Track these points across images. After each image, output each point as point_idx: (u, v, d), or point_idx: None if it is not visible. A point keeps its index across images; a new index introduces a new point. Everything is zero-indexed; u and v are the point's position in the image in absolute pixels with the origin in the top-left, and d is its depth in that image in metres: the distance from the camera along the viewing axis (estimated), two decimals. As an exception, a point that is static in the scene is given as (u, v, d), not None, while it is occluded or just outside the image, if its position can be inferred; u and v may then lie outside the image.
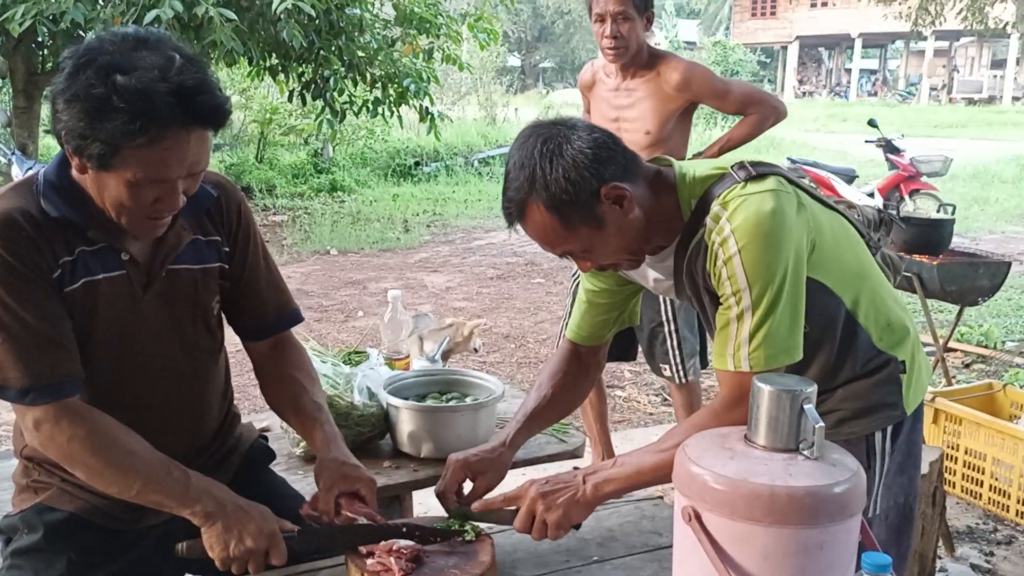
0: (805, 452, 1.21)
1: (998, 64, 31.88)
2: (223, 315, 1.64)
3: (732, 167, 1.52)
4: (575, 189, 1.43)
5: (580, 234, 1.47)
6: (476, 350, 2.56)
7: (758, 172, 1.50)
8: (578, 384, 1.83)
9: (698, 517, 1.21)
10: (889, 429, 1.66)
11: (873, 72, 36.66)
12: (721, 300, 1.49)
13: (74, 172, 1.38)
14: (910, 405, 1.68)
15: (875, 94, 33.18)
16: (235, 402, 1.75)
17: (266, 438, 1.83)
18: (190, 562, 1.45)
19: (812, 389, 1.22)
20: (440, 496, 1.58)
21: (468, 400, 2.04)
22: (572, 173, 1.43)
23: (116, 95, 1.25)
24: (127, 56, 1.28)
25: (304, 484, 1.86)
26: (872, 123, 9.10)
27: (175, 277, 1.51)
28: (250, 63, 7.79)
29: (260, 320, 1.66)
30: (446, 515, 1.55)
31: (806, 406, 1.21)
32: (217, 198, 1.55)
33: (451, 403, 2.02)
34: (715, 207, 1.48)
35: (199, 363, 1.59)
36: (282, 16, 6.50)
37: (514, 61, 34.69)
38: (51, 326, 1.38)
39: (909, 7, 8.32)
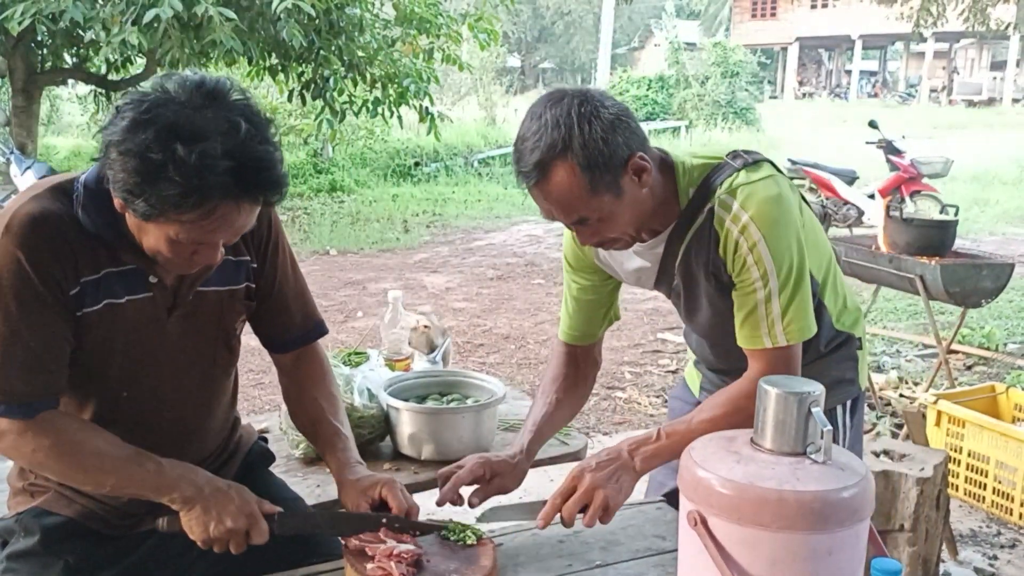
0: (813, 456, 1.19)
1: (998, 66, 31.85)
2: (249, 325, 1.62)
3: (727, 156, 1.56)
4: (610, 152, 1.43)
5: (602, 201, 1.46)
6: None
7: (752, 159, 1.56)
8: (579, 385, 1.84)
9: (704, 522, 1.19)
10: (848, 403, 1.77)
11: (873, 73, 36.64)
12: (739, 285, 1.53)
13: (116, 206, 1.32)
14: (863, 380, 1.82)
15: (875, 95, 33.16)
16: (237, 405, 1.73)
17: (266, 440, 1.80)
18: (195, 562, 1.45)
19: (820, 392, 1.20)
20: (442, 480, 1.57)
21: (469, 402, 2.02)
22: (609, 136, 1.42)
23: (173, 165, 1.19)
24: (191, 118, 1.22)
25: (304, 486, 1.85)
26: (873, 124, 9.07)
27: (201, 299, 1.47)
28: (250, 63, 7.77)
29: (285, 333, 1.63)
30: (443, 518, 1.53)
31: (814, 409, 1.19)
32: None
33: (452, 405, 2.00)
34: (722, 195, 1.51)
35: (213, 380, 1.56)
36: (282, 16, 6.48)
37: (514, 61, 34.66)
38: (44, 348, 1.33)
39: (911, 8, 8.31)
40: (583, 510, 1.51)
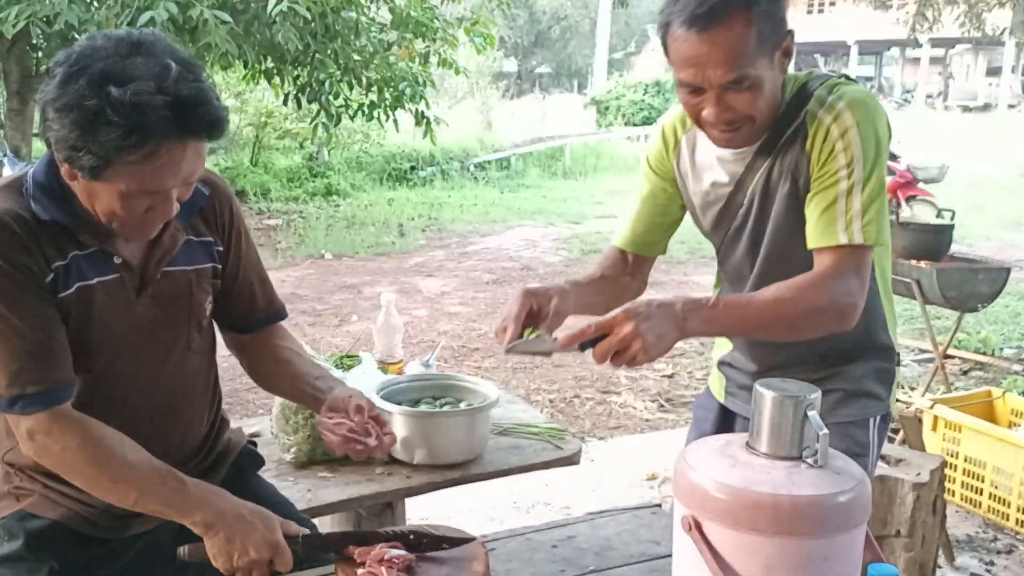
0: (808, 460, 1.17)
1: (993, 72, 31.93)
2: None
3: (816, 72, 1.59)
4: (780, 20, 1.44)
5: (762, 65, 1.43)
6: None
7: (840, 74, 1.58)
8: (621, 283, 1.76)
9: (699, 527, 1.17)
10: (879, 418, 1.70)
11: (869, 79, 36.70)
12: (822, 178, 1.49)
13: (63, 176, 1.34)
14: (893, 399, 1.75)
15: (871, 101, 33.22)
16: (226, 408, 1.71)
17: (255, 443, 1.78)
18: (188, 566, 1.42)
19: (816, 395, 1.18)
20: (499, 332, 1.43)
21: (463, 405, 2.00)
22: (783, 5, 1.45)
23: (110, 108, 1.21)
24: (121, 64, 1.24)
25: (295, 490, 1.83)
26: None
27: (170, 279, 1.48)
28: (245, 66, 7.75)
29: (251, 315, 1.64)
30: (436, 524, 1.51)
31: (809, 412, 1.17)
32: (209, 197, 1.52)
33: (445, 408, 1.98)
34: (819, 91, 1.52)
35: (191, 365, 1.55)
36: (277, 19, 6.46)
37: (510, 66, 34.64)
38: (43, 332, 1.34)
39: (907, 13, 8.34)
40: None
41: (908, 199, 8.87)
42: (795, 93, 1.54)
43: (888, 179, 7.17)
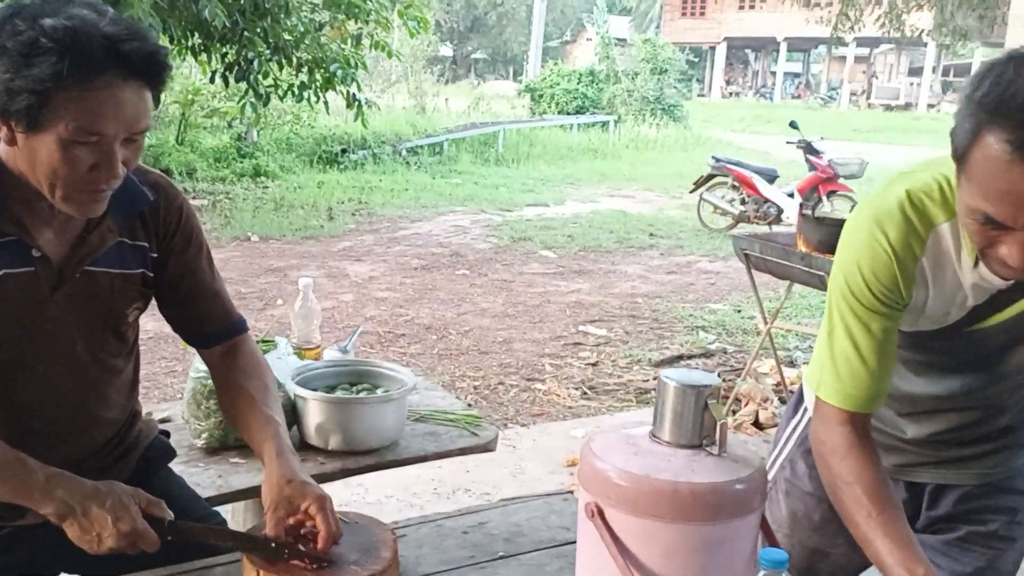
0: (709, 448, 1.21)
1: (915, 72, 32.96)
2: (172, 324, 1.57)
3: None
4: None
5: None
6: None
7: None
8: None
9: (601, 513, 1.20)
10: None
11: (797, 75, 37.55)
12: None
13: (1, 149, 1.28)
14: None
15: (798, 97, 34.00)
16: (143, 391, 1.66)
17: (168, 433, 1.73)
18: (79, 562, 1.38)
19: (717, 384, 1.22)
20: None
21: (379, 392, 2.00)
22: None
23: (44, 36, 1.17)
24: (56, 6, 1.21)
25: (205, 476, 1.80)
26: (793, 125, 9.31)
27: (90, 280, 1.40)
28: (171, 42, 7.56)
29: (204, 327, 1.57)
30: (347, 511, 1.51)
31: (710, 402, 1.20)
32: (154, 202, 1.45)
33: (361, 395, 1.97)
34: None
35: (102, 369, 1.48)
36: (204, -6, 6.32)
37: (446, 51, 34.46)
38: None
39: (830, 13, 8.57)
40: None
41: (828, 194, 9.11)
42: None
43: (810, 174, 7.38)
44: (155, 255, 1.48)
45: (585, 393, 4.71)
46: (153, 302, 1.55)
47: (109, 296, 1.43)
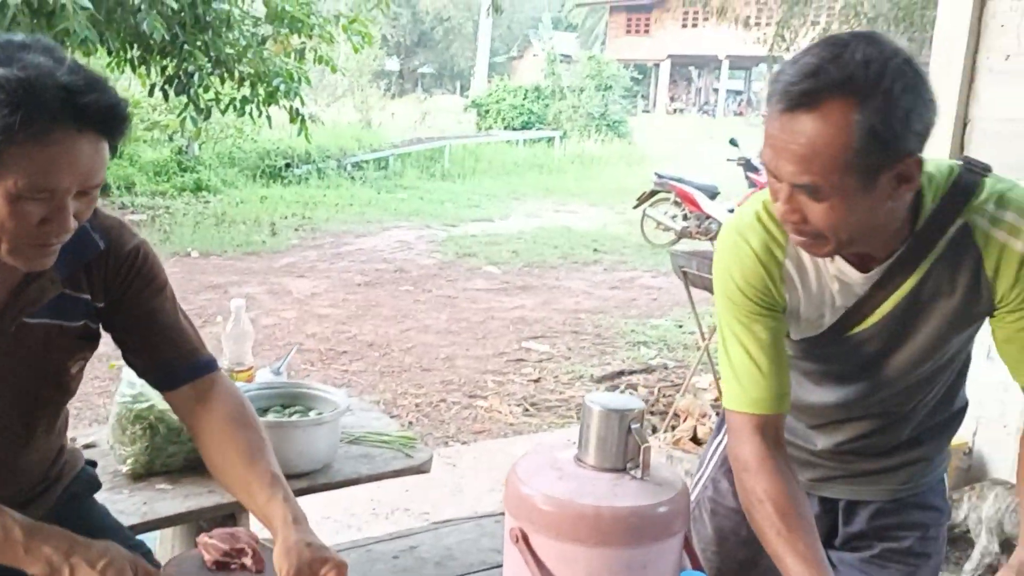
0: (632, 472, 1.22)
1: (852, 91, 33.80)
2: (132, 367, 1.49)
3: (964, 163, 1.29)
4: (898, 134, 1.11)
5: (850, 181, 1.14)
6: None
7: (983, 167, 1.30)
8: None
9: (526, 538, 1.20)
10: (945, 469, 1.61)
11: (739, 93, 38.21)
12: (1017, 306, 1.27)
13: None
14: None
15: (740, 114, 34.58)
16: (74, 414, 1.60)
17: (94, 463, 1.67)
18: None
19: (640, 408, 1.23)
20: None
21: (312, 414, 1.98)
22: (912, 116, 1.11)
23: None
24: (10, 53, 1.13)
25: (130, 503, 1.77)
26: (733, 142, 9.49)
27: (26, 332, 1.33)
28: (109, 54, 7.42)
29: (167, 367, 1.46)
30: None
31: (633, 426, 1.22)
32: (103, 252, 1.37)
33: (294, 418, 1.95)
34: (986, 206, 1.24)
35: (35, 418, 1.42)
36: (143, 7, 6.22)
37: (392, 65, 34.37)
38: None
39: (764, 34, 8.77)
40: None
41: (768, 210, 9.29)
42: (944, 200, 1.26)
43: (749, 190, 7.52)
44: (100, 305, 1.40)
45: (527, 410, 4.72)
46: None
47: (44, 348, 1.36)
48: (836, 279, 1.33)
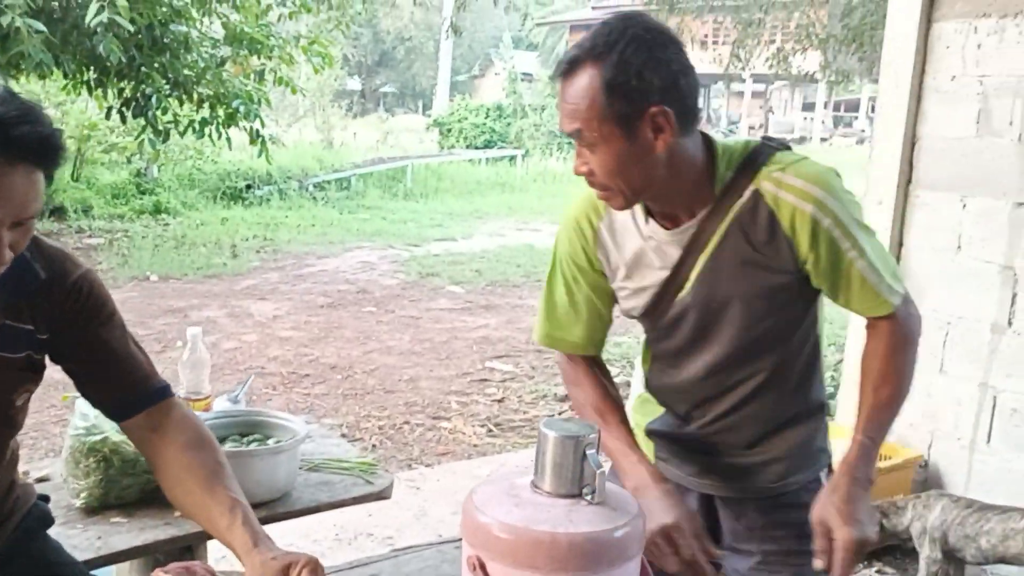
0: (588, 497, 1.23)
1: (808, 107, 34.37)
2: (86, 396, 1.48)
3: (762, 140, 1.50)
4: (638, 87, 1.35)
5: (608, 129, 1.37)
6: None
7: (781, 143, 1.51)
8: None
9: (483, 567, 1.20)
10: (826, 471, 1.68)
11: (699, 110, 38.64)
12: (834, 264, 1.45)
13: None
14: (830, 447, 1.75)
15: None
16: (29, 443, 1.58)
17: (47, 498, 1.65)
18: None
19: (594, 435, 1.24)
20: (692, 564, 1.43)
21: (270, 443, 1.97)
22: (647, 73, 1.35)
23: None
24: None
25: (83, 538, 1.74)
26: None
27: None
28: (65, 77, 7.34)
29: (118, 396, 1.45)
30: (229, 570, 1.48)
31: (588, 451, 1.23)
32: (45, 281, 1.35)
33: (251, 446, 1.94)
34: (775, 174, 1.44)
35: None
36: (99, 29, 6.17)
37: (354, 84, 34.32)
38: None
39: (720, 54, 8.92)
40: None
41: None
42: (739, 168, 1.46)
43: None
44: (44, 337, 1.38)
45: (491, 431, 4.72)
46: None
47: None
48: (651, 239, 1.52)
